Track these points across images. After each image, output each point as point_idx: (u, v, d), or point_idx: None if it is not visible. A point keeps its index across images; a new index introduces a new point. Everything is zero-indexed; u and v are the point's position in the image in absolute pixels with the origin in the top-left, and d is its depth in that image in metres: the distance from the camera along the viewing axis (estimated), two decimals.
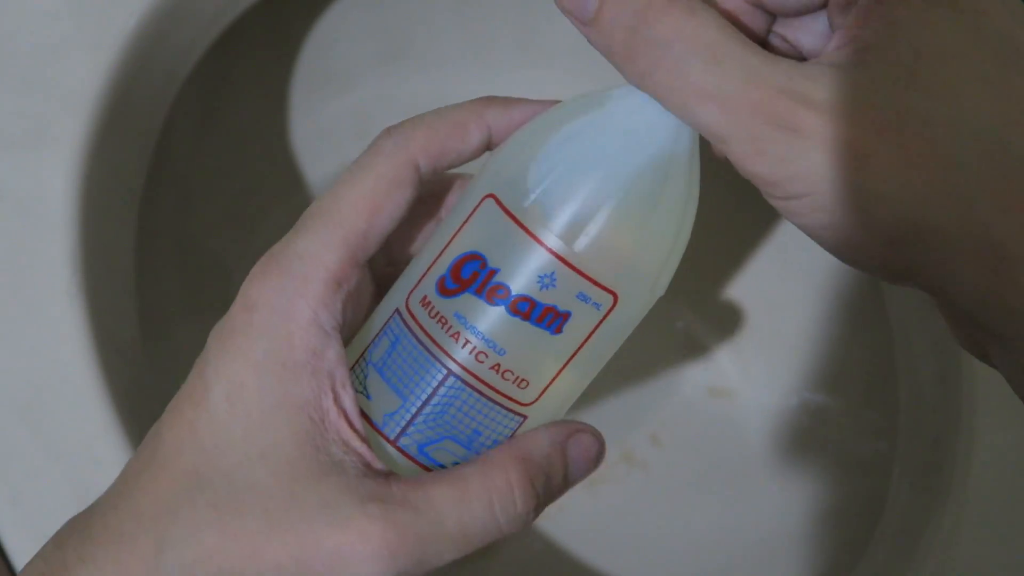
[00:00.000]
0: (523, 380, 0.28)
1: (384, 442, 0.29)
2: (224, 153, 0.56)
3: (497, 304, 0.28)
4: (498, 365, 0.28)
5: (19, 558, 0.35)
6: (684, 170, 0.28)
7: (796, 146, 0.25)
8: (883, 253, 0.25)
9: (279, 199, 0.58)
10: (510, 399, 0.28)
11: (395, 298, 0.29)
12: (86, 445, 0.36)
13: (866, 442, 0.52)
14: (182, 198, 0.55)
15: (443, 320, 0.28)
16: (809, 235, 0.26)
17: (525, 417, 0.29)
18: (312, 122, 0.59)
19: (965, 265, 0.25)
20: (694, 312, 0.57)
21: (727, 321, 0.56)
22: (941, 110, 0.24)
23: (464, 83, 0.60)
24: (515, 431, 0.29)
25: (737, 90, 0.25)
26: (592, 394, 0.57)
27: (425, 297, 0.28)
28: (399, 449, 0.29)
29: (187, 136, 0.53)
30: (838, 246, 0.26)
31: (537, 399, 0.29)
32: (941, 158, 0.24)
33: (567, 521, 0.55)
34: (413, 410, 0.29)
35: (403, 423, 0.29)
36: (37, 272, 0.38)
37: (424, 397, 0.29)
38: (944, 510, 0.42)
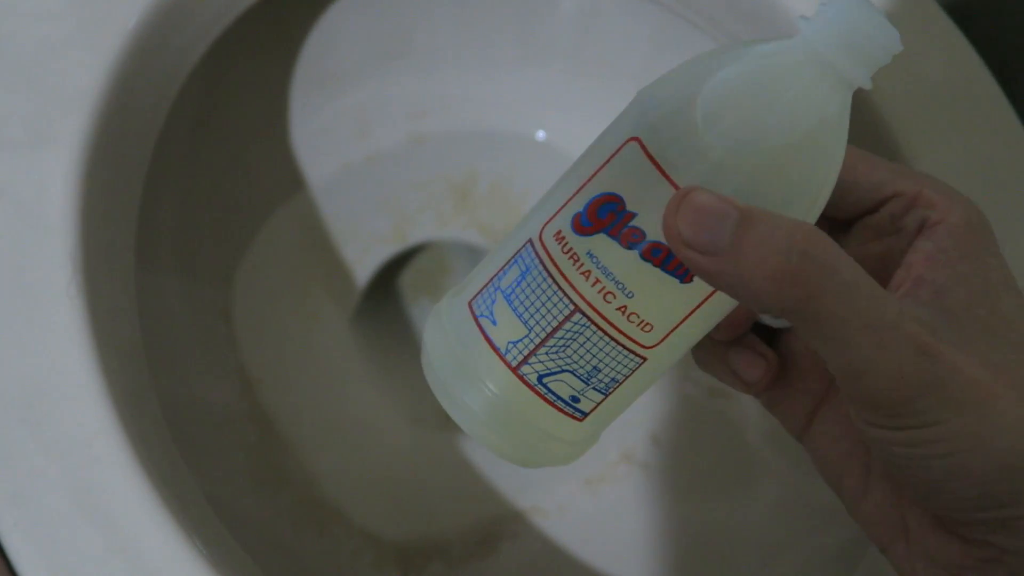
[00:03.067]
0: (648, 324, 0.29)
1: (505, 367, 0.30)
2: (224, 153, 0.56)
3: (631, 248, 0.28)
4: (625, 307, 0.28)
5: (19, 558, 0.35)
6: (835, 134, 0.28)
7: (937, 374, 0.27)
8: (990, 484, 0.27)
9: (279, 199, 0.58)
10: (633, 340, 0.29)
11: (530, 227, 0.30)
12: (86, 445, 0.36)
13: None
14: (182, 198, 0.55)
15: (575, 257, 0.28)
16: (912, 469, 0.28)
17: (645, 359, 0.29)
18: (312, 122, 0.59)
19: None
20: None
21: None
22: (1022, 358, 0.28)
23: (464, 83, 0.60)
24: (634, 371, 0.30)
25: (893, 321, 0.26)
26: None
27: (559, 232, 0.29)
28: (519, 376, 0.30)
29: (187, 136, 0.53)
30: (946, 477, 0.28)
31: (659, 343, 0.29)
32: None
33: (567, 521, 0.55)
34: (537, 341, 0.29)
35: (526, 352, 0.29)
36: (37, 272, 0.38)
37: (549, 330, 0.29)
38: None
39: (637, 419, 0.57)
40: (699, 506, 0.55)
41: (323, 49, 0.57)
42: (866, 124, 0.45)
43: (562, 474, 0.56)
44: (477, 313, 0.30)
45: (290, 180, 0.59)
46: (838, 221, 0.32)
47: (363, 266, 0.59)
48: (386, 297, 0.64)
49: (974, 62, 0.47)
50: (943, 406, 0.27)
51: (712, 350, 0.30)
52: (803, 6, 0.45)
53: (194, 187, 0.55)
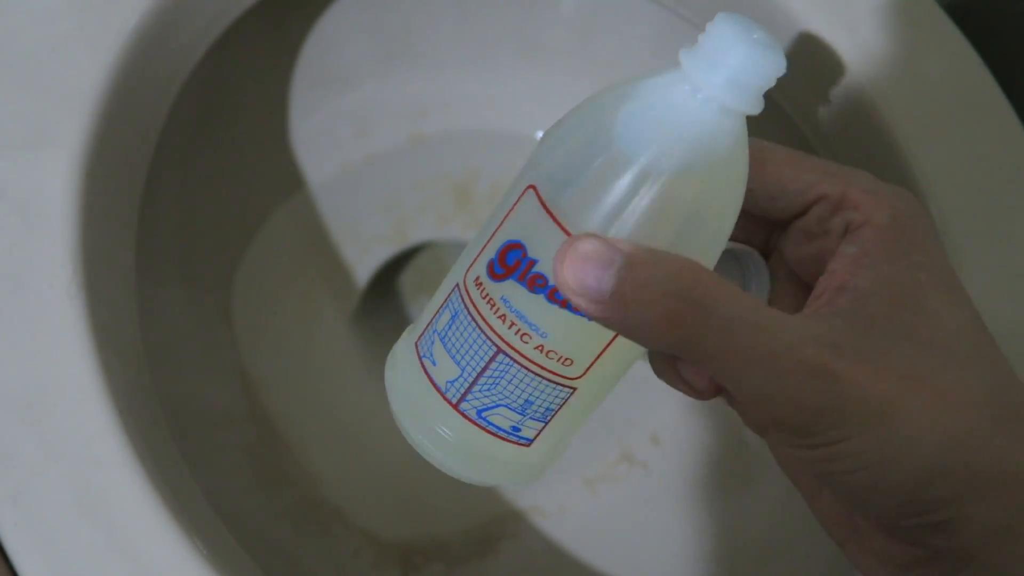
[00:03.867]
0: (567, 359, 0.30)
1: (447, 404, 0.31)
2: (224, 153, 0.56)
3: (537, 292, 0.29)
4: (542, 346, 0.29)
5: (19, 558, 0.35)
6: (729, 163, 0.28)
7: (835, 394, 0.26)
8: (905, 495, 0.27)
9: (279, 199, 0.58)
10: (557, 374, 0.30)
11: (456, 272, 0.31)
12: (86, 445, 0.36)
13: None
14: (182, 198, 0.55)
15: (492, 302, 0.30)
16: (832, 483, 0.28)
17: (575, 389, 0.31)
18: (312, 122, 0.59)
19: (987, 503, 0.27)
20: None
21: None
22: (949, 364, 0.27)
23: (464, 83, 0.60)
24: (567, 400, 0.31)
25: (781, 353, 0.26)
26: None
27: (478, 277, 0.30)
28: (460, 412, 0.31)
29: (187, 136, 0.53)
30: (863, 491, 0.28)
31: (584, 374, 0.30)
32: (962, 406, 0.27)
33: (567, 521, 0.55)
34: (470, 380, 0.31)
35: (463, 391, 0.31)
36: (37, 272, 0.38)
37: (479, 369, 0.31)
38: None
39: (637, 419, 0.57)
40: (699, 506, 0.55)
41: (323, 49, 0.57)
42: (866, 124, 0.45)
43: (562, 474, 0.56)
44: (421, 354, 0.32)
45: (290, 180, 0.59)
46: (777, 223, 0.32)
47: (363, 266, 0.59)
48: (386, 297, 0.64)
49: (974, 62, 0.47)
50: (845, 424, 0.26)
51: (664, 360, 0.31)
52: (803, 5, 0.45)
53: (194, 187, 0.55)
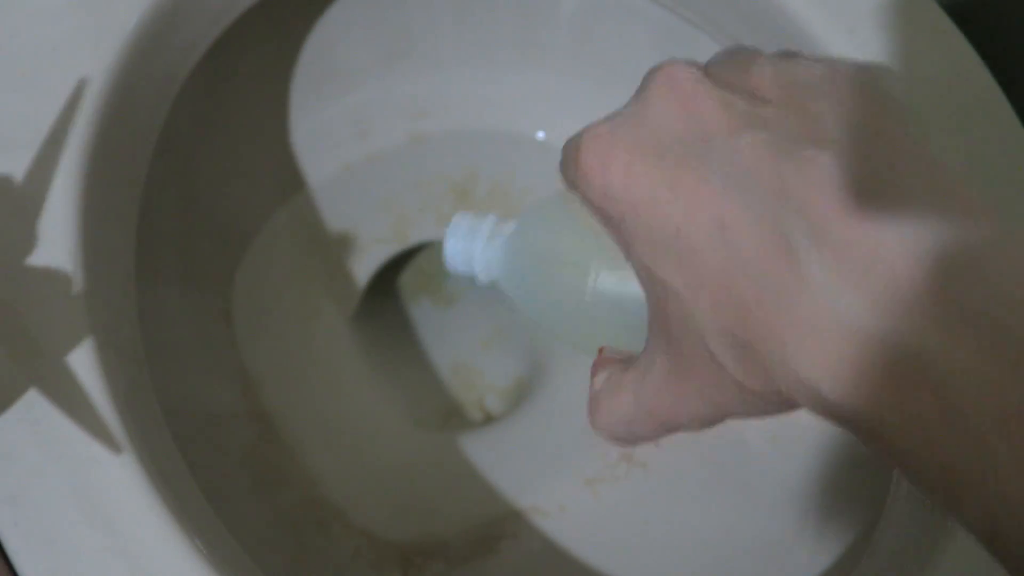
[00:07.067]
0: None
1: None
2: (224, 153, 0.56)
3: None
4: None
5: (19, 558, 0.35)
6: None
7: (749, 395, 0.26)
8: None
9: (279, 199, 0.58)
10: None
11: None
12: (86, 445, 0.36)
13: None
14: (182, 198, 0.55)
15: None
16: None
17: None
18: (312, 122, 0.59)
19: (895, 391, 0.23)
20: None
21: None
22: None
23: (464, 83, 0.60)
24: None
25: (629, 416, 0.30)
26: None
27: None
28: None
29: (187, 136, 0.53)
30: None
31: None
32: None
33: (567, 520, 0.55)
34: None
35: None
36: (37, 272, 0.38)
37: None
38: (944, 510, 0.42)
39: None
40: (699, 506, 0.55)
41: (323, 49, 0.57)
42: None
43: (562, 474, 0.56)
44: None
45: (290, 180, 0.59)
46: None
47: (363, 266, 0.59)
48: (386, 297, 0.64)
49: (974, 62, 0.47)
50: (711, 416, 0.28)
51: None
52: (803, 5, 0.45)
53: (194, 187, 0.55)
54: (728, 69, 0.27)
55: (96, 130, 0.40)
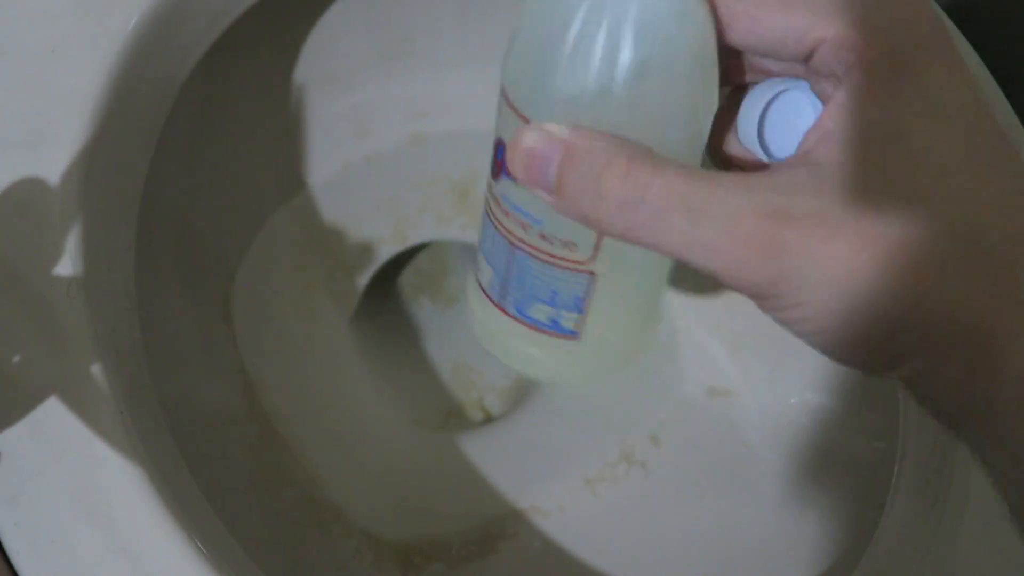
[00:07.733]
0: (569, 243, 0.31)
1: (495, 307, 0.34)
2: (224, 153, 0.56)
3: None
4: (543, 233, 0.31)
5: (19, 558, 0.35)
6: (686, 68, 0.28)
7: (784, 264, 0.26)
8: (869, 352, 0.27)
9: (279, 199, 0.58)
10: (566, 259, 0.31)
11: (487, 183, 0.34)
12: (86, 445, 0.36)
13: (866, 442, 0.52)
14: (182, 198, 0.55)
15: (497, 200, 0.31)
16: (797, 336, 0.28)
17: (593, 273, 0.31)
18: (312, 122, 0.59)
19: (943, 359, 0.26)
20: (694, 312, 0.57)
21: (727, 321, 0.56)
22: (917, 213, 0.25)
23: (464, 83, 0.60)
24: (592, 286, 0.32)
25: (718, 233, 0.26)
26: (592, 393, 0.57)
27: (489, 181, 0.32)
28: (504, 311, 0.34)
29: (187, 136, 0.53)
30: (826, 348, 0.27)
31: (593, 258, 0.31)
32: (920, 262, 0.25)
33: (567, 521, 0.55)
34: (501, 278, 0.33)
35: (499, 290, 0.33)
36: (37, 272, 0.38)
37: (504, 267, 0.32)
38: (944, 511, 0.42)
39: (637, 419, 0.57)
40: (699, 506, 0.55)
41: (323, 49, 0.57)
42: None
43: (562, 474, 0.56)
44: (476, 270, 0.35)
45: (290, 180, 0.59)
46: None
47: (363, 266, 0.59)
48: (386, 297, 0.64)
49: (974, 62, 0.47)
50: (799, 292, 0.26)
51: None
52: None
53: (194, 187, 0.55)
54: None
55: (96, 130, 0.40)
